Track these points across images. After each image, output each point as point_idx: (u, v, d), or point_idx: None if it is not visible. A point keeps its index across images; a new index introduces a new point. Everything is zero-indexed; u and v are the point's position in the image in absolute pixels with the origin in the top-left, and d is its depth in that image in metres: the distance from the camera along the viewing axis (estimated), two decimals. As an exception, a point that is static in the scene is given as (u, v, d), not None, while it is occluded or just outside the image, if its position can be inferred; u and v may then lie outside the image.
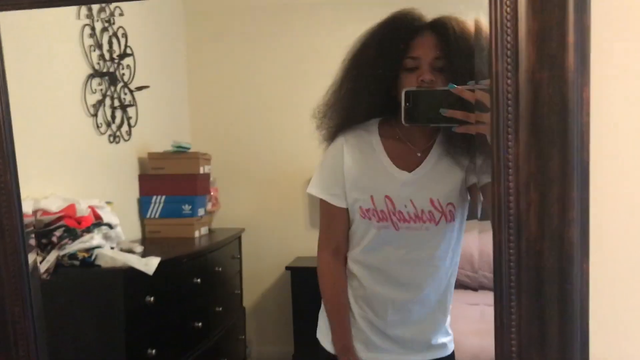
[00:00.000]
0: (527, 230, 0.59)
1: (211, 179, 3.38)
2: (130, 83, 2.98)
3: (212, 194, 3.44)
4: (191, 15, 3.73)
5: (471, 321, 2.24)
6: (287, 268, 3.48)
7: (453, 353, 1.54)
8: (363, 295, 1.47)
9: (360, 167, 1.41)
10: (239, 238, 3.53)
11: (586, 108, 0.57)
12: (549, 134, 0.58)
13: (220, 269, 3.06)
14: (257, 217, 3.71)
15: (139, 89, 3.04)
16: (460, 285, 2.77)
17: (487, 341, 2.03)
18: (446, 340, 1.51)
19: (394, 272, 1.43)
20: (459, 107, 1.11)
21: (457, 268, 1.48)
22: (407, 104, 1.18)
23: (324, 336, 1.54)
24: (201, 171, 3.20)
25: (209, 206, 3.39)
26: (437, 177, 1.37)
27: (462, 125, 1.12)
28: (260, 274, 3.78)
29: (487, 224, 1.21)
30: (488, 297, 2.48)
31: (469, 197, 1.41)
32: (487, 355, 1.96)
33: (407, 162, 1.39)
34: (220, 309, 3.04)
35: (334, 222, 1.49)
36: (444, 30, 1.31)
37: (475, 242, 2.80)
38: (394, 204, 1.36)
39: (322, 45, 3.41)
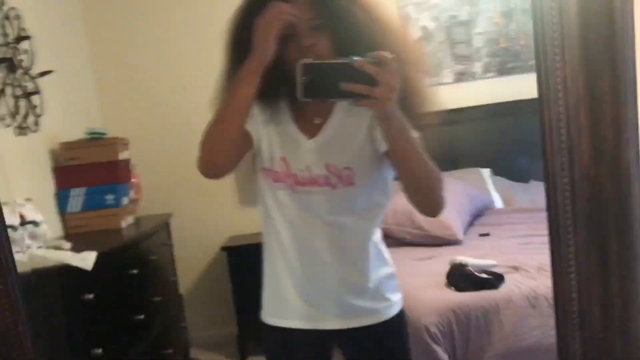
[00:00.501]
0: (580, 156, 0.56)
1: (131, 165, 3.19)
2: (31, 69, 2.73)
3: (134, 180, 3.26)
4: (87, -9, 3.47)
5: (422, 275, 2.27)
6: (222, 249, 3.37)
7: (397, 317, 1.44)
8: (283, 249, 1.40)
9: (266, 127, 1.35)
10: (167, 224, 3.38)
11: (631, 22, 0.54)
12: (597, 51, 0.55)
13: (155, 257, 2.91)
14: (184, 199, 3.56)
15: (42, 74, 2.79)
16: (404, 243, 2.80)
17: (440, 293, 2.06)
18: (380, 306, 1.42)
19: (303, 237, 1.36)
20: (359, 81, 1.07)
21: (375, 231, 1.42)
22: (304, 78, 1.10)
23: (265, 311, 1.47)
24: (120, 157, 3.01)
25: (133, 194, 3.21)
26: (336, 143, 1.32)
27: (362, 100, 1.09)
28: (194, 258, 3.65)
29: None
30: (433, 251, 2.52)
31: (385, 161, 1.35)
32: (446, 306, 2.00)
33: (308, 126, 1.34)
34: (160, 298, 2.90)
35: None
36: None
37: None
38: (289, 166, 1.32)
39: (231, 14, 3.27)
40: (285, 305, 1.41)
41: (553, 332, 1.90)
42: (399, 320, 1.45)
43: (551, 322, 1.88)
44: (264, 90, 1.26)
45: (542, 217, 2.40)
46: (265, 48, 1.20)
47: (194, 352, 3.43)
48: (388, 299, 1.42)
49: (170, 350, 2.95)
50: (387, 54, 1.08)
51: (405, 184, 1.25)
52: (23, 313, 0.64)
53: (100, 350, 2.08)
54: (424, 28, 3.64)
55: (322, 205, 1.33)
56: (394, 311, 1.43)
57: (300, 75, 1.10)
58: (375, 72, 1.06)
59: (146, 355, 2.62)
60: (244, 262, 3.18)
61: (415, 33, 3.64)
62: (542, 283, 1.98)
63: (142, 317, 2.57)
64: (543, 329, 1.87)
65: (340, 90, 1.08)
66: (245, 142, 1.34)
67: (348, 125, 1.32)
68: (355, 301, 1.38)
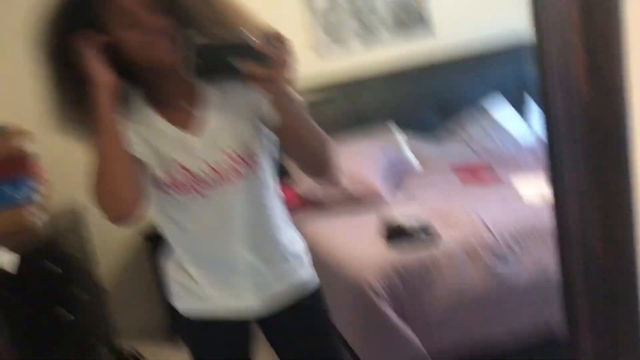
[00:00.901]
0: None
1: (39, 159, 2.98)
2: None
3: (40, 175, 3.05)
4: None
5: (360, 237, 2.30)
6: (145, 238, 3.25)
7: (317, 291, 1.45)
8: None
9: (144, 144, 1.25)
10: (83, 217, 3.20)
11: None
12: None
13: (78, 254, 2.76)
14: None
15: None
16: (333, 213, 2.82)
17: (378, 248, 2.10)
18: (302, 273, 1.43)
19: (218, 238, 1.33)
20: (253, 60, 1.06)
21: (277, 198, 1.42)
22: (198, 59, 1.08)
23: (176, 298, 1.43)
24: (28, 150, 2.80)
25: (43, 189, 3.01)
26: (225, 128, 1.26)
27: (256, 81, 1.08)
28: (115, 250, 3.49)
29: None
30: (361, 216, 2.53)
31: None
32: (385, 260, 2.04)
33: (189, 123, 1.25)
34: (89, 296, 2.77)
35: None
36: None
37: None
38: (190, 171, 1.25)
39: None
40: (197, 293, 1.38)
41: (493, 280, 2.01)
42: (319, 294, 1.45)
43: (491, 268, 1.99)
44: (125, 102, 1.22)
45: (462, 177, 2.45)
46: (102, 79, 1.13)
47: (122, 343, 3.31)
48: (307, 267, 1.43)
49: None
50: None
51: (297, 152, 1.26)
52: None
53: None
54: (328, -3, 3.63)
55: (238, 200, 1.29)
56: (313, 285, 1.43)
57: (195, 56, 1.07)
58: (270, 51, 1.06)
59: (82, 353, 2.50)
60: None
61: (322, 4, 3.62)
62: (479, 234, 2.08)
63: (72, 318, 2.44)
64: (483, 277, 1.97)
65: (234, 70, 1.06)
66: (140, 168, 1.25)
67: (228, 107, 1.26)
68: (273, 276, 1.37)
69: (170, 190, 1.26)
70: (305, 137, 1.21)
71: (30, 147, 2.89)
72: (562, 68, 0.60)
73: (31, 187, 2.82)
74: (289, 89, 1.13)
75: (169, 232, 1.37)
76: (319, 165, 1.27)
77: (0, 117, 3.11)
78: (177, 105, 1.26)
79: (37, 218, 2.78)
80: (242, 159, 1.26)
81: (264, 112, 1.25)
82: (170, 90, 1.25)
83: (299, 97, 1.17)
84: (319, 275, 1.44)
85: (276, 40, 1.06)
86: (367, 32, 3.71)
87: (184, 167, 1.24)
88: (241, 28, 1.10)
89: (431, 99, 3.68)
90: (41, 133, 3.02)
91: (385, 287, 1.97)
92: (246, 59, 1.05)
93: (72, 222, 2.94)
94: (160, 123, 1.25)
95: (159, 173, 1.25)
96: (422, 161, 3.39)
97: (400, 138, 3.49)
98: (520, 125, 3.56)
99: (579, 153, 0.62)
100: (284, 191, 3.00)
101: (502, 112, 3.59)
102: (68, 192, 3.30)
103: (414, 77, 3.66)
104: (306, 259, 1.44)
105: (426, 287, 2.00)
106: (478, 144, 3.42)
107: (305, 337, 1.42)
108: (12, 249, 2.03)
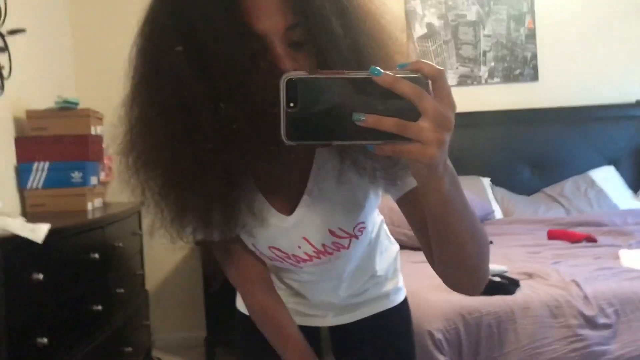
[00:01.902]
0: None
1: (104, 144, 2.91)
2: (1, 25, 2.46)
3: (105, 161, 2.97)
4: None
5: (425, 277, 2.01)
6: (196, 242, 3.07)
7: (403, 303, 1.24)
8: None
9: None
10: (139, 212, 3.08)
11: None
12: None
13: (121, 244, 2.61)
14: (158, 189, 3.27)
15: (12, 32, 2.51)
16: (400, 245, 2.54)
17: (447, 296, 1.81)
18: (387, 289, 1.21)
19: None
20: (384, 110, 0.63)
21: (379, 236, 1.16)
22: (291, 105, 0.64)
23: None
24: (93, 132, 2.72)
25: (103, 176, 2.92)
26: (331, 202, 0.95)
27: (389, 142, 0.64)
28: (164, 252, 3.35)
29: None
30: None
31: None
32: (453, 310, 1.74)
33: (285, 196, 0.96)
34: (122, 291, 2.60)
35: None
36: None
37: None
38: (284, 251, 1.00)
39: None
40: None
41: (577, 345, 1.65)
42: (405, 307, 1.23)
43: (577, 333, 1.65)
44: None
45: (546, 228, 2.14)
46: None
47: (156, 354, 3.11)
48: (395, 279, 1.21)
49: (129, 349, 2.63)
50: (434, 65, 0.64)
51: (441, 255, 0.83)
52: None
53: (45, 340, 1.78)
54: (430, 25, 3.44)
55: (338, 267, 1.08)
56: (400, 297, 1.21)
57: (284, 100, 0.64)
58: (414, 95, 0.62)
59: (103, 352, 2.31)
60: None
61: (420, 30, 3.43)
62: (566, 291, 1.74)
63: (100, 308, 2.27)
64: (565, 341, 1.62)
65: (351, 125, 0.63)
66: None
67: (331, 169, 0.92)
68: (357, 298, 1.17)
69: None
70: (464, 240, 0.79)
71: (99, 129, 2.82)
72: None
73: (93, 170, 2.73)
74: (449, 165, 0.71)
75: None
76: (469, 277, 0.86)
77: (72, 94, 3.09)
78: (283, 184, 0.96)
79: (90, 202, 2.67)
80: (349, 233, 1.00)
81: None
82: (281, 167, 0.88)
83: (454, 177, 0.72)
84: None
85: (424, 73, 0.64)
86: (465, 68, 3.46)
87: (276, 249, 1.01)
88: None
89: (524, 147, 3.37)
90: (113, 119, 3.00)
91: (449, 338, 1.66)
92: (372, 105, 0.64)
93: (127, 213, 2.81)
94: (259, 199, 0.95)
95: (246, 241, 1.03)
96: (505, 211, 3.08)
97: (487, 184, 3.21)
98: (627, 196, 3.18)
99: None
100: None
101: (609, 182, 3.23)
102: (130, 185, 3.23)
103: (510, 123, 3.37)
104: (395, 267, 1.21)
105: (496, 341, 1.67)
106: (575, 207, 3.07)
107: (377, 352, 1.19)
108: (60, 227, 1.90)
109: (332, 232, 0.97)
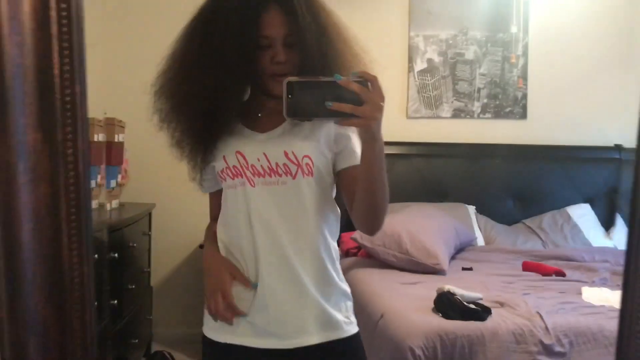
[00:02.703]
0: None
1: (124, 148, 3.15)
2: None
3: (123, 165, 3.21)
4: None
5: (410, 299, 2.28)
6: (201, 246, 3.33)
7: (355, 336, 1.37)
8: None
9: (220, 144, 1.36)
10: (150, 214, 3.33)
11: None
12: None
13: (135, 244, 2.86)
14: (168, 192, 3.51)
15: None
16: (387, 265, 2.81)
17: (427, 317, 2.07)
18: (340, 318, 1.35)
19: (259, 240, 1.32)
20: (343, 100, 1.09)
21: (334, 240, 1.38)
22: (290, 96, 1.12)
23: (208, 325, 1.40)
24: (116, 139, 2.97)
25: (120, 178, 3.16)
26: (294, 133, 1.33)
27: (345, 119, 1.11)
28: (169, 252, 3.60)
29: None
30: (417, 277, 2.52)
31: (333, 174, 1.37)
32: (432, 330, 2.01)
33: (264, 127, 1.35)
34: (133, 287, 2.85)
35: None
36: (290, 5, 1.27)
37: (404, 223, 2.86)
38: (246, 158, 1.31)
39: None
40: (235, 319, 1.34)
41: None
42: (358, 341, 1.38)
43: (536, 358, 1.92)
44: (225, 116, 1.32)
45: (522, 259, 2.43)
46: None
47: (155, 347, 3.36)
48: (347, 314, 1.37)
49: (136, 341, 2.88)
50: (371, 73, 1.12)
51: (361, 200, 1.26)
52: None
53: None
54: (430, 60, 3.71)
55: (282, 198, 1.30)
56: (353, 329, 1.37)
57: (285, 93, 1.12)
58: (360, 91, 1.08)
59: (113, 344, 2.56)
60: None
61: (421, 64, 3.70)
62: (530, 321, 2.01)
63: (115, 302, 2.52)
64: (525, 365, 1.90)
65: (325, 108, 1.09)
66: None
67: (307, 124, 1.33)
68: (313, 312, 1.32)
69: (225, 175, 1.34)
70: (375, 184, 1.22)
71: (121, 136, 3.06)
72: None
73: (113, 174, 2.97)
74: (376, 129, 1.14)
75: (220, 235, 1.41)
76: (375, 218, 1.29)
77: (95, 101, 3.33)
78: (262, 114, 1.37)
79: (108, 203, 2.92)
80: (301, 162, 1.30)
81: (341, 147, 1.33)
82: (264, 107, 1.36)
83: (382, 142, 1.17)
84: (359, 324, 1.39)
85: (365, 78, 1.10)
86: (460, 102, 3.74)
87: (240, 153, 1.32)
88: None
89: (509, 180, 3.65)
90: (130, 124, 3.23)
91: (427, 355, 1.92)
92: (337, 96, 1.09)
93: (140, 215, 3.05)
94: (239, 126, 1.36)
95: (219, 159, 1.34)
96: (487, 239, 3.36)
97: (472, 211, 3.48)
98: (599, 234, 3.47)
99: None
100: (346, 240, 3.09)
101: (584, 218, 3.52)
102: (142, 186, 3.48)
103: (496, 156, 3.65)
104: (348, 304, 1.39)
105: (466, 361, 1.94)
106: (551, 240, 3.36)
107: None
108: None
109: (285, 154, 1.31)
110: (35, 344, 0.61)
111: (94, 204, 2.84)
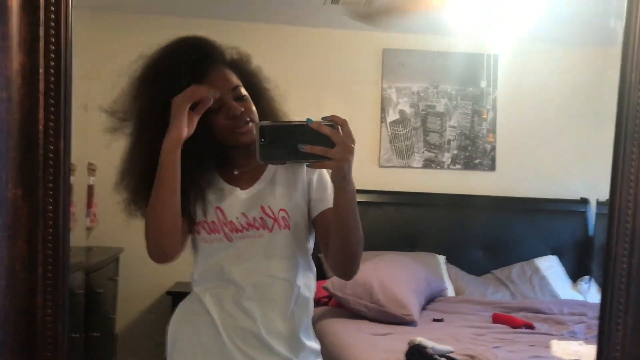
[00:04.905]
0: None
1: (94, 191, 3.11)
2: None
3: (92, 209, 3.17)
4: None
5: (380, 351, 2.26)
6: (168, 293, 3.27)
7: None
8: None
9: (197, 189, 1.36)
10: (117, 258, 3.26)
11: None
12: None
13: (101, 290, 2.79)
14: (136, 236, 3.44)
15: None
16: (358, 315, 2.79)
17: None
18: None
19: (237, 289, 1.34)
20: (315, 142, 1.11)
21: (311, 287, 1.41)
22: (262, 140, 1.12)
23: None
24: (87, 183, 2.93)
25: (88, 221, 3.11)
26: (271, 187, 1.36)
27: (318, 161, 1.13)
28: (136, 297, 3.51)
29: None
30: (388, 328, 2.51)
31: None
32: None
33: (242, 183, 1.37)
34: (98, 334, 2.76)
35: None
36: (229, 57, 1.36)
37: (375, 272, 2.86)
38: (225, 214, 1.33)
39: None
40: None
41: None
42: None
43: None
44: (196, 163, 1.31)
45: (492, 310, 2.44)
46: (179, 127, 1.23)
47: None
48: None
49: (97, 392, 2.78)
50: (341, 117, 1.14)
51: (335, 244, 1.27)
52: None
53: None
54: (402, 112, 3.79)
55: (259, 250, 1.32)
56: None
57: (258, 137, 1.13)
58: (331, 133, 1.11)
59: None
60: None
61: (393, 115, 3.77)
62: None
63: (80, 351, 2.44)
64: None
65: (297, 151, 1.11)
66: (187, 220, 1.34)
67: (282, 178, 1.36)
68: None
69: (200, 227, 1.34)
70: (348, 228, 1.23)
71: (92, 179, 3.02)
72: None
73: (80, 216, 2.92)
74: (348, 171, 1.16)
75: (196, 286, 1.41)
76: (350, 262, 1.30)
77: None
78: (239, 171, 1.39)
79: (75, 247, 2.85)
80: (277, 215, 1.32)
81: (314, 195, 1.36)
82: (238, 161, 1.39)
83: (353, 185, 1.20)
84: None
85: (335, 121, 1.13)
86: (431, 153, 3.81)
87: (220, 209, 1.33)
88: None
89: (479, 231, 3.70)
90: (99, 167, 3.19)
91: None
92: (309, 139, 1.11)
93: (108, 260, 2.99)
94: (218, 181, 1.38)
95: (198, 212, 1.35)
96: (457, 290, 3.37)
97: (442, 261, 3.50)
98: (566, 285, 3.51)
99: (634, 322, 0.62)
100: (317, 289, 3.05)
101: (552, 270, 3.56)
102: (109, 230, 3.41)
103: (467, 207, 3.70)
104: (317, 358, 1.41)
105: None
106: (520, 291, 3.39)
107: None
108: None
109: (262, 209, 1.33)
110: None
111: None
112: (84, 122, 3.43)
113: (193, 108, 1.24)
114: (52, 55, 0.56)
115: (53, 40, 0.55)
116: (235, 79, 1.33)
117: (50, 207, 0.58)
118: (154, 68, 1.32)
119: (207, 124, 1.29)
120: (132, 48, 1.36)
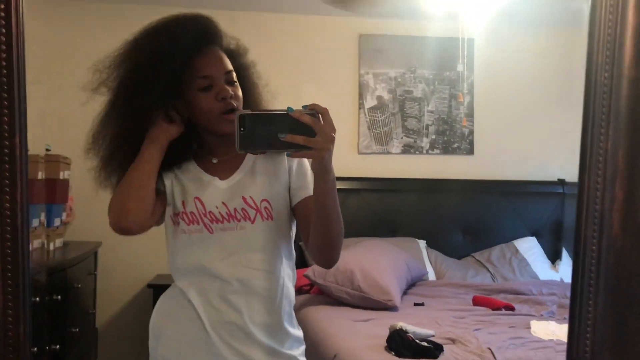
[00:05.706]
0: (610, 227, 0.60)
1: (69, 186, 3.06)
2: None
3: (68, 203, 3.11)
4: None
5: (363, 337, 2.26)
6: (149, 286, 3.24)
7: None
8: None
9: (175, 177, 1.37)
10: (95, 253, 3.23)
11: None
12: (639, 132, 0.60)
13: (79, 285, 2.76)
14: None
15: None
16: (340, 302, 2.80)
17: (380, 356, 2.06)
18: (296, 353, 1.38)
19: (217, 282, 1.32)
20: (296, 132, 1.09)
21: (292, 276, 1.41)
22: (242, 130, 1.11)
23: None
24: (61, 176, 2.88)
25: (65, 216, 3.06)
26: (252, 177, 1.35)
27: (298, 150, 1.12)
28: (116, 291, 3.48)
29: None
30: (370, 314, 2.52)
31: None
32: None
33: (222, 172, 1.37)
34: (77, 329, 2.73)
35: None
36: (222, 43, 1.37)
37: (356, 259, 2.86)
38: (204, 205, 1.32)
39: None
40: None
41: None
42: None
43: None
44: (174, 150, 1.33)
45: (473, 293, 2.46)
46: (167, 129, 1.30)
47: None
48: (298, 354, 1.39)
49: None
50: (321, 106, 1.14)
51: (316, 233, 1.27)
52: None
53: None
54: (380, 98, 3.78)
55: (240, 242, 1.31)
56: None
57: (238, 126, 1.11)
58: (312, 122, 1.10)
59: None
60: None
61: (371, 101, 3.76)
62: (481, 357, 2.02)
63: (57, 347, 2.40)
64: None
65: (277, 140, 1.10)
66: (159, 201, 1.33)
67: (262, 167, 1.36)
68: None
69: (179, 219, 1.32)
70: (329, 216, 1.23)
71: (66, 173, 2.97)
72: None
73: (57, 212, 2.87)
74: (328, 160, 1.15)
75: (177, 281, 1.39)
76: (331, 250, 1.29)
77: (39, 137, 3.23)
78: (218, 159, 1.38)
79: (52, 242, 2.81)
80: (259, 206, 1.32)
81: (294, 183, 1.35)
82: (217, 150, 1.38)
83: (334, 174, 1.19)
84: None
85: (316, 110, 1.12)
86: (409, 138, 3.81)
87: (199, 199, 1.32)
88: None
89: (458, 215, 3.72)
90: (75, 161, 3.14)
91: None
92: (289, 128, 1.09)
93: (85, 255, 2.95)
94: (196, 170, 1.37)
95: (177, 203, 1.34)
96: (437, 273, 3.39)
97: (423, 246, 3.51)
98: (545, 266, 3.56)
99: (604, 302, 0.62)
100: (298, 277, 3.05)
101: (531, 251, 3.60)
102: (87, 225, 3.37)
103: (446, 191, 3.71)
104: (301, 349, 1.41)
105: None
106: (500, 273, 3.42)
107: None
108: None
109: (244, 199, 1.32)
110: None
111: (37, 243, 2.73)
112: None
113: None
114: (4, 47, 0.53)
115: (4, 31, 0.53)
116: (229, 64, 1.33)
117: (8, 205, 0.56)
118: (152, 32, 1.31)
119: (191, 107, 1.31)
120: (112, 38, 1.35)
